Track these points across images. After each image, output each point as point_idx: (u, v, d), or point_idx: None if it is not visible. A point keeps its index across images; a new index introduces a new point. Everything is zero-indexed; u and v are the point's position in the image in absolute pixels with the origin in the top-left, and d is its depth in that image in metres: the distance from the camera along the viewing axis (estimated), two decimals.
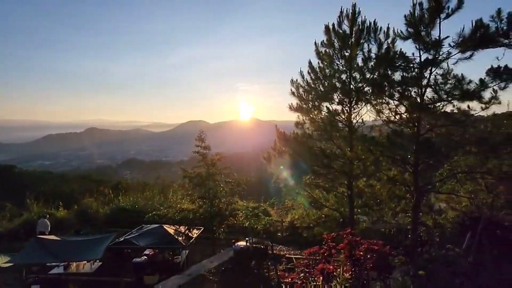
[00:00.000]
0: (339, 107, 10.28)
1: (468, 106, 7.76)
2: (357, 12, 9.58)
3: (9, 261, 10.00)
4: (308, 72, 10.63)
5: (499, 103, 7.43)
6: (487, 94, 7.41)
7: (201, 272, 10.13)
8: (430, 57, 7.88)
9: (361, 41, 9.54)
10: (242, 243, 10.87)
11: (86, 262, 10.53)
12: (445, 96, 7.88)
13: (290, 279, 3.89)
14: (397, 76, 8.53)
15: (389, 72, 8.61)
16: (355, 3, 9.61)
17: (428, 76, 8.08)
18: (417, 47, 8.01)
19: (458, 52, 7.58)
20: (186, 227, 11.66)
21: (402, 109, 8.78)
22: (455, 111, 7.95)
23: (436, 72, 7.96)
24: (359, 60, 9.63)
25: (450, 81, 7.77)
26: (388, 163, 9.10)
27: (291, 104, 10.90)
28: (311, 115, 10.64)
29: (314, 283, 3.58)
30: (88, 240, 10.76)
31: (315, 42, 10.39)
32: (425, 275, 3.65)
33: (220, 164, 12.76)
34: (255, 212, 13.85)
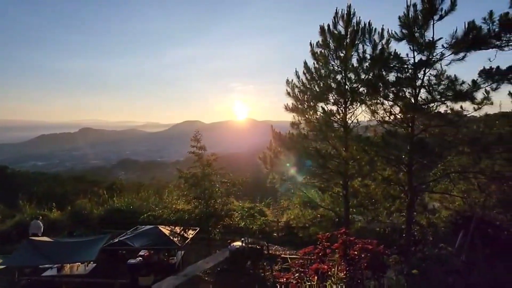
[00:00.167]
0: (334, 108, 10.34)
1: (461, 107, 7.87)
2: (352, 13, 9.65)
3: (1, 263, 9.84)
4: (304, 73, 10.68)
5: (491, 103, 7.55)
6: (479, 95, 7.52)
7: (197, 273, 10.09)
8: (424, 58, 7.96)
9: (356, 42, 9.60)
10: (237, 244, 10.86)
11: (80, 263, 10.42)
12: (438, 96, 7.98)
13: (285, 279, 3.90)
14: (392, 76, 8.62)
15: (384, 73, 8.68)
16: (350, 4, 9.68)
17: (422, 77, 8.17)
18: (411, 48, 8.09)
19: (451, 54, 7.67)
20: (182, 228, 11.61)
21: (396, 109, 8.86)
22: (449, 111, 8.05)
23: (430, 73, 8.05)
24: (354, 61, 9.71)
25: (443, 82, 7.87)
26: (382, 163, 9.18)
27: (287, 104, 10.93)
28: (306, 115, 10.68)
29: (309, 283, 3.59)
30: (82, 241, 10.64)
31: (310, 43, 10.43)
32: (419, 273, 3.69)
33: (215, 165, 12.73)
34: (250, 213, 13.83)
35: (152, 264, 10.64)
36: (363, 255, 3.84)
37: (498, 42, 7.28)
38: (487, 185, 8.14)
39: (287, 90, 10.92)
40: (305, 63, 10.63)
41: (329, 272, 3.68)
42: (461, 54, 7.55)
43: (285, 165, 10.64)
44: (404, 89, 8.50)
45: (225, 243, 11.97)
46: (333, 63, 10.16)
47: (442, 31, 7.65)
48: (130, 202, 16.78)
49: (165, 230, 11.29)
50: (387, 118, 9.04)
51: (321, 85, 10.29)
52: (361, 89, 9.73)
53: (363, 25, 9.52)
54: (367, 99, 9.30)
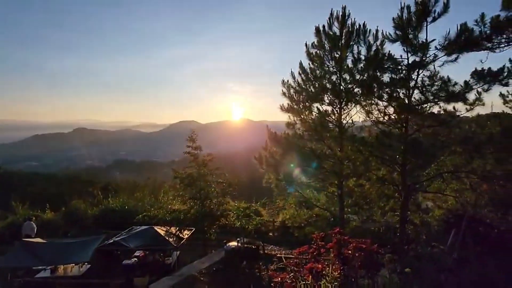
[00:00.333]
0: (329, 108, 10.43)
1: (454, 108, 8.01)
2: (347, 14, 9.74)
3: None
4: (299, 73, 10.74)
5: (483, 104, 7.69)
6: (471, 96, 7.67)
7: (192, 273, 10.08)
8: (417, 59, 8.08)
9: (351, 43, 9.70)
10: (233, 244, 10.87)
11: (74, 265, 10.33)
12: (431, 97, 8.10)
13: (279, 279, 3.93)
14: (386, 77, 8.74)
15: (378, 74, 8.78)
16: (345, 6, 9.77)
17: (415, 78, 8.28)
18: (405, 49, 8.20)
19: (444, 55, 7.80)
20: (177, 228, 11.58)
21: (390, 110, 8.98)
22: (442, 112, 8.18)
23: (423, 74, 8.18)
24: (349, 62, 9.81)
25: (436, 83, 7.99)
26: (377, 163, 9.27)
27: (282, 104, 10.99)
28: (302, 116, 10.74)
29: (304, 282, 3.63)
30: (76, 242, 10.54)
31: (306, 44, 10.50)
32: (412, 272, 3.76)
33: (211, 165, 12.71)
34: (246, 213, 13.85)
35: (148, 265, 10.59)
36: (357, 254, 3.89)
37: (489, 44, 7.41)
38: (478, 184, 8.27)
39: (282, 91, 10.97)
40: (301, 63, 10.70)
41: (324, 272, 3.72)
42: (454, 56, 7.68)
43: (281, 165, 10.68)
44: (398, 89, 8.61)
45: (221, 243, 11.96)
46: (328, 63, 10.24)
47: (435, 33, 7.78)
48: (125, 203, 16.67)
49: (161, 230, 11.25)
50: (381, 119, 9.15)
51: (316, 85, 10.37)
52: (356, 90, 9.83)
53: (357, 26, 9.62)
54: (362, 99, 9.40)
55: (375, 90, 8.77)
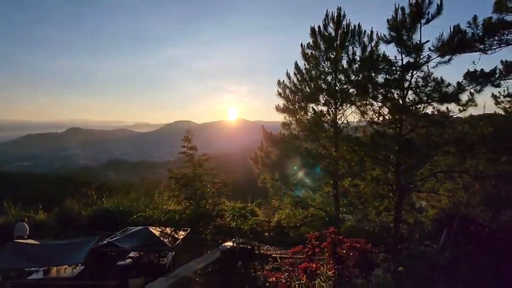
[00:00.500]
0: (324, 108, 10.48)
1: (447, 108, 8.12)
2: (342, 15, 9.80)
3: None
4: (295, 74, 10.78)
5: (476, 105, 7.80)
6: (464, 97, 7.78)
7: (188, 274, 10.03)
8: (411, 60, 8.16)
9: (346, 43, 9.76)
10: (229, 244, 10.84)
11: (67, 266, 10.20)
12: (425, 98, 8.19)
13: (274, 279, 3.94)
14: (381, 78, 8.81)
15: (373, 75, 8.86)
16: (340, 7, 9.83)
17: (409, 79, 8.37)
18: (399, 50, 8.28)
19: (438, 56, 7.90)
20: (172, 229, 11.51)
21: (385, 110, 9.06)
22: (435, 112, 8.28)
23: (417, 75, 8.27)
24: (344, 62, 9.88)
25: (430, 84, 8.08)
26: (372, 163, 9.34)
27: (278, 105, 11.01)
28: (297, 116, 10.78)
29: (298, 282, 3.64)
30: (69, 243, 10.41)
31: (301, 44, 10.54)
32: (405, 271, 3.80)
33: (207, 165, 12.66)
34: (242, 213, 13.81)
35: (142, 266, 10.51)
36: (351, 254, 3.91)
37: (481, 46, 7.53)
38: (471, 184, 8.38)
39: (278, 91, 11.00)
40: (296, 64, 10.74)
41: (318, 271, 3.74)
42: (447, 57, 7.79)
43: (276, 165, 10.70)
44: (393, 90, 8.69)
45: (216, 244, 11.92)
46: (323, 64, 10.30)
47: (429, 34, 7.87)
48: (119, 203, 16.51)
49: (156, 231, 11.17)
50: (376, 119, 9.23)
51: (312, 86, 10.42)
52: (351, 90, 9.90)
53: (353, 27, 9.69)
54: (357, 100, 9.47)
55: (370, 90, 8.84)
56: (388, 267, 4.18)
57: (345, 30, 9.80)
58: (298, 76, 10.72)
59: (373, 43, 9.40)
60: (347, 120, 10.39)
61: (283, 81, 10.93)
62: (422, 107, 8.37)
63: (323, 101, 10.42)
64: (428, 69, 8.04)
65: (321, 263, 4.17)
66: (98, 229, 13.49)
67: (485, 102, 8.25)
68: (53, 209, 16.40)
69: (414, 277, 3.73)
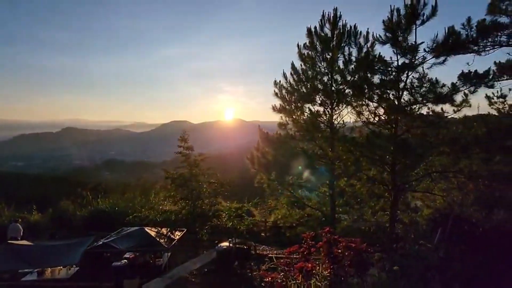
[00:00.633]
0: (321, 109, 10.52)
1: (442, 109, 8.20)
2: (338, 16, 9.84)
3: None
4: (291, 74, 10.80)
5: (470, 106, 7.89)
6: (458, 98, 7.86)
7: (183, 274, 10.00)
8: (406, 61, 8.23)
9: (342, 44, 9.81)
10: (225, 244, 10.83)
11: (62, 267, 10.11)
12: (420, 99, 8.26)
13: (270, 279, 3.94)
14: (376, 79, 8.87)
15: (369, 75, 8.91)
16: (336, 7, 9.87)
17: (405, 80, 8.44)
18: (395, 51, 8.34)
19: (433, 57, 7.97)
20: (168, 229, 11.46)
21: (381, 110, 9.11)
22: (430, 113, 8.35)
23: (412, 76, 8.34)
24: (340, 63, 9.93)
25: (425, 85, 8.15)
26: (367, 163, 9.40)
27: (274, 105, 11.03)
28: (293, 116, 10.80)
29: (294, 282, 3.64)
30: (64, 244, 10.32)
31: (297, 44, 10.56)
32: (399, 270, 3.83)
33: (203, 165, 12.64)
34: (238, 213, 13.80)
35: (138, 266, 10.45)
36: (346, 253, 3.93)
37: (475, 47, 7.62)
38: (465, 184, 8.47)
39: (274, 91, 11.01)
40: (293, 64, 10.77)
41: (314, 271, 3.75)
42: (442, 58, 7.86)
43: (273, 165, 10.71)
44: (388, 91, 8.75)
45: (213, 244, 11.90)
46: (320, 64, 10.34)
47: (424, 35, 7.94)
48: (115, 203, 16.39)
49: (151, 231, 11.11)
50: (372, 119, 9.28)
51: (308, 86, 10.45)
52: (347, 91, 9.94)
53: (349, 28, 9.75)
54: (353, 100, 9.52)
55: (365, 91, 8.89)
56: (383, 266, 4.21)
57: (341, 31, 9.85)
58: (294, 76, 10.74)
59: (369, 44, 9.46)
60: (343, 121, 10.46)
61: (280, 81, 10.96)
62: (417, 107, 8.44)
63: (319, 102, 10.46)
64: (423, 70, 8.13)
65: (317, 262, 4.19)
66: (93, 230, 13.39)
67: (479, 103, 8.35)
68: (47, 210, 16.24)
69: (409, 276, 3.76)
